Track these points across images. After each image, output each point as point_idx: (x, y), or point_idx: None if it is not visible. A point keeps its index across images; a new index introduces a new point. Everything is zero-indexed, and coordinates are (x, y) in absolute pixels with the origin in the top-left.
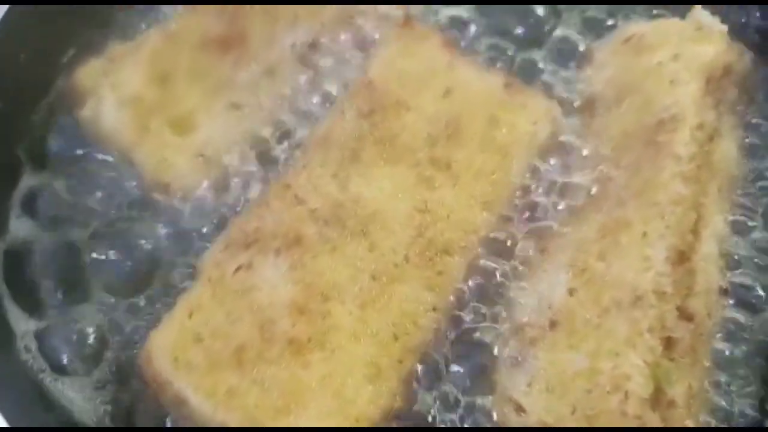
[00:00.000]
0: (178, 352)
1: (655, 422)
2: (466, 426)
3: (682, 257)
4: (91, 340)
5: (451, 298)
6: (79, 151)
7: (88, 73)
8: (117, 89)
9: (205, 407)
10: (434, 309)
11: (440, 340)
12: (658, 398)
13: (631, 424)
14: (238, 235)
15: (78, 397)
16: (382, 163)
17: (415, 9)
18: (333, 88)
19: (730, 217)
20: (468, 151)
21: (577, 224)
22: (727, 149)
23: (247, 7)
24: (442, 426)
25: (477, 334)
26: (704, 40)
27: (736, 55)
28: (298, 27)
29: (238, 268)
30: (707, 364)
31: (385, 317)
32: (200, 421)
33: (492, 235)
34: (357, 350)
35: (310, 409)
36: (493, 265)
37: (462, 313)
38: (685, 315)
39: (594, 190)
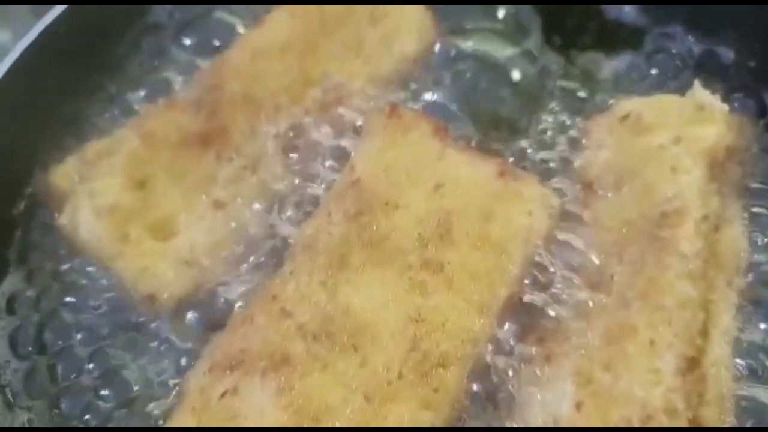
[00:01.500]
0: None
1: None
2: None
3: (692, 365)
4: None
5: (451, 412)
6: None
7: (64, 173)
8: (93, 198)
9: None
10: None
11: None
12: None
13: None
14: (222, 356)
15: None
16: (372, 267)
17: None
18: (319, 182)
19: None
20: (461, 250)
21: (581, 327)
22: (734, 237)
23: (226, 97)
24: None
25: None
26: (705, 121)
27: (738, 135)
28: (280, 116)
29: (223, 394)
30: None
31: None
32: None
33: (491, 342)
34: None
35: None
36: (494, 376)
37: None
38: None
39: (597, 285)
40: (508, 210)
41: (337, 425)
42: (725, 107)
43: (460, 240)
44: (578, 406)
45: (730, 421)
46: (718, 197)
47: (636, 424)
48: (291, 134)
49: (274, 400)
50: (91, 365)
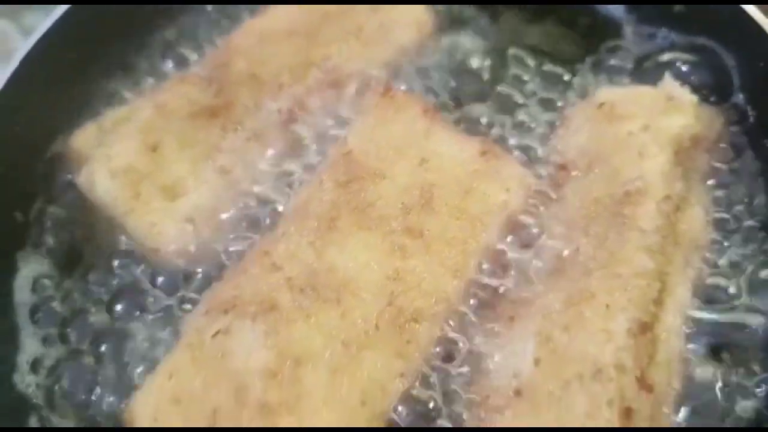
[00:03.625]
0: (158, 413)
1: None
2: None
3: (644, 328)
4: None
5: (420, 364)
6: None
7: (83, 138)
8: (110, 160)
9: None
10: (402, 375)
11: (408, 405)
12: None
13: None
14: (217, 301)
15: None
16: (357, 231)
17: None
18: (314, 154)
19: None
20: (440, 219)
21: (545, 292)
22: (695, 218)
23: (234, 75)
24: None
25: (443, 398)
26: (674, 111)
27: (705, 123)
28: (282, 94)
29: (216, 333)
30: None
31: (355, 383)
32: None
33: (462, 302)
34: (326, 415)
35: None
36: (461, 333)
37: (430, 379)
38: (644, 386)
39: (563, 257)
40: (487, 186)
41: (318, 368)
42: (694, 98)
43: (440, 210)
44: (536, 361)
45: (675, 387)
46: (683, 181)
47: (587, 379)
48: (292, 110)
49: (262, 341)
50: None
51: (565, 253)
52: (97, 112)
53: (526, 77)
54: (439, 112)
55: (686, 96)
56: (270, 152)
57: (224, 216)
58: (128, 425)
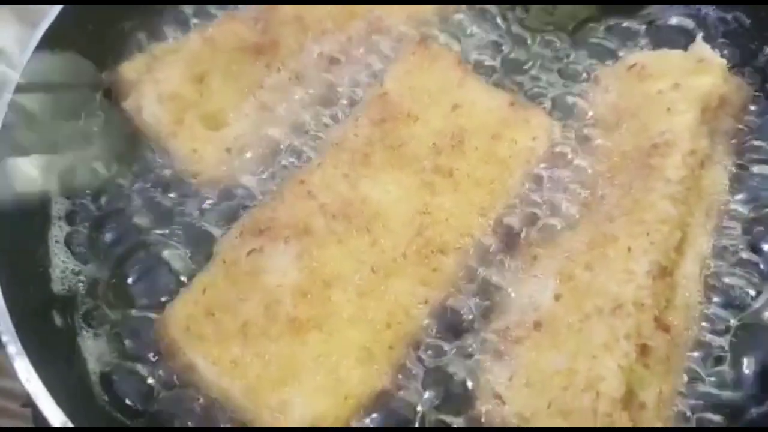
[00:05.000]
0: (191, 323)
1: (624, 421)
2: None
3: (663, 272)
4: None
5: (444, 294)
6: None
7: (133, 67)
8: (157, 85)
9: (211, 374)
10: (426, 302)
11: (430, 331)
12: (629, 400)
13: (601, 421)
14: (253, 222)
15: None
16: (390, 167)
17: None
18: (351, 96)
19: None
20: (470, 161)
21: (568, 236)
22: (717, 176)
23: (280, 16)
24: (420, 409)
25: (464, 326)
26: (703, 72)
27: (733, 88)
28: (325, 38)
29: (250, 252)
30: (681, 373)
31: (381, 306)
32: (205, 387)
33: (487, 239)
34: (352, 334)
35: (304, 384)
36: (486, 267)
37: (453, 307)
38: (662, 326)
39: (588, 204)
40: (515, 133)
41: (346, 290)
42: (723, 61)
43: (470, 153)
44: (557, 297)
45: (692, 333)
46: (708, 139)
47: (606, 313)
48: (333, 54)
49: (294, 262)
50: None
51: (590, 200)
52: (146, 48)
53: (558, 44)
54: (471, 67)
55: (716, 59)
56: (309, 93)
57: (261, 150)
58: (160, 336)
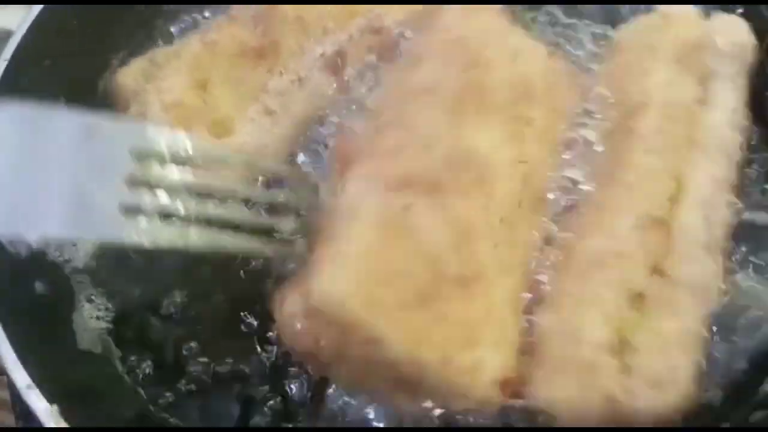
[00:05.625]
0: (366, 295)
1: (612, 367)
2: None
3: (655, 223)
4: None
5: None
6: None
7: (131, 74)
8: (161, 94)
9: (398, 347)
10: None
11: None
12: (622, 348)
13: (586, 370)
14: (392, 180)
15: None
16: (477, 115)
17: None
18: (358, 95)
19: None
20: (541, 110)
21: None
22: (716, 119)
23: (280, 18)
24: None
25: None
26: (669, 26)
27: (704, 30)
28: (326, 38)
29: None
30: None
31: (516, 253)
32: (391, 363)
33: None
34: (503, 281)
35: (486, 339)
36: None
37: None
38: (657, 271)
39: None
40: (557, 81)
41: (486, 242)
42: (689, 8)
43: (540, 101)
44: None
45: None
46: (696, 86)
47: (595, 266)
48: (335, 55)
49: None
50: None
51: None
52: (142, 52)
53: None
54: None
55: (682, 9)
56: (313, 95)
57: (270, 154)
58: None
